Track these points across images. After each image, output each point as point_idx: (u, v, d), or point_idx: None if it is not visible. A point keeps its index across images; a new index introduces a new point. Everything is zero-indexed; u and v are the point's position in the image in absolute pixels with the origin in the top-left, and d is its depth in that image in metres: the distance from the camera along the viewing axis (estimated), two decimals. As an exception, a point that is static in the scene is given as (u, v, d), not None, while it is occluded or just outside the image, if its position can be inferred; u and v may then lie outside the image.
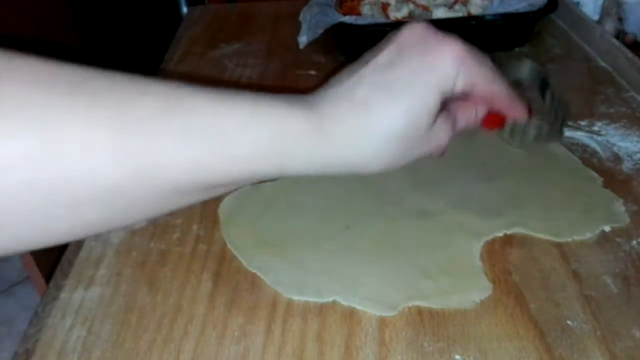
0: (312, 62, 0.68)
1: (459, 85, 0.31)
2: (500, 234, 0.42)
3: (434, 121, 0.32)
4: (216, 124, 0.27)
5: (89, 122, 0.24)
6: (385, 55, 0.32)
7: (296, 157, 0.30)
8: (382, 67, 0.31)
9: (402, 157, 0.33)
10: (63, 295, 0.39)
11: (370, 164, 0.32)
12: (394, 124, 0.30)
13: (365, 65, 0.32)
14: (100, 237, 0.43)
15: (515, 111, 0.37)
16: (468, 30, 0.65)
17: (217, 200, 0.46)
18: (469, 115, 0.36)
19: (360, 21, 0.63)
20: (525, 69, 0.43)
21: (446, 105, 0.33)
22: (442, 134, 0.33)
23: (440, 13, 0.65)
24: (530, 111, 0.38)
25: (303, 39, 0.70)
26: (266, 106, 0.29)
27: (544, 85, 0.43)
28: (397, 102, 0.30)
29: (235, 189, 0.45)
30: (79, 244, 0.43)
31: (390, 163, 0.32)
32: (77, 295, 0.39)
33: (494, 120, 0.38)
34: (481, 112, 0.37)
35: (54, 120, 0.23)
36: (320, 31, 0.66)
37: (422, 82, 0.30)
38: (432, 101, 0.31)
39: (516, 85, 0.39)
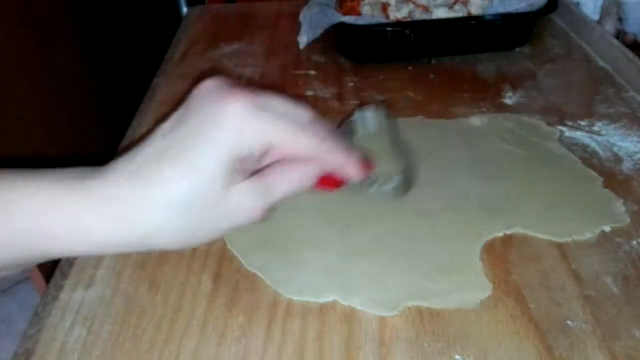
0: (312, 62, 0.68)
1: (253, 145, 0.28)
2: (500, 234, 0.42)
3: (229, 189, 0.28)
4: None
5: None
6: (170, 120, 0.29)
7: (81, 247, 0.28)
8: (165, 132, 0.28)
9: (199, 230, 0.29)
10: (63, 295, 0.39)
11: (161, 240, 0.28)
12: (174, 192, 0.27)
13: (153, 133, 0.29)
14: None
15: (349, 171, 0.32)
16: (468, 30, 0.65)
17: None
18: (292, 180, 0.31)
19: (361, 21, 0.63)
20: (373, 120, 0.40)
21: (257, 171, 0.30)
22: (249, 203, 0.29)
23: (440, 13, 0.65)
24: (369, 168, 0.34)
25: (303, 39, 0.70)
26: (26, 189, 0.27)
27: (394, 135, 0.40)
28: (176, 167, 0.27)
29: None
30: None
31: (186, 237, 0.29)
32: (77, 295, 0.39)
33: (329, 181, 0.33)
34: (310, 174, 0.32)
35: None
36: (320, 31, 0.66)
37: (205, 144, 0.27)
38: (218, 164, 0.27)
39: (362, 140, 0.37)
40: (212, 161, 0.27)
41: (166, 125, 0.29)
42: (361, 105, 0.59)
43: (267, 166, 0.31)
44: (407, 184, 0.38)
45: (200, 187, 0.27)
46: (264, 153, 0.29)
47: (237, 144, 0.27)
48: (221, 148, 0.27)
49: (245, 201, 0.29)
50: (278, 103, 0.29)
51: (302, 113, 0.30)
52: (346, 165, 0.32)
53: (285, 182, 0.31)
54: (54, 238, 0.27)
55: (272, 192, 0.30)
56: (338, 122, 0.38)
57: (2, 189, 0.27)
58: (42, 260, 0.29)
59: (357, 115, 0.39)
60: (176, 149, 0.27)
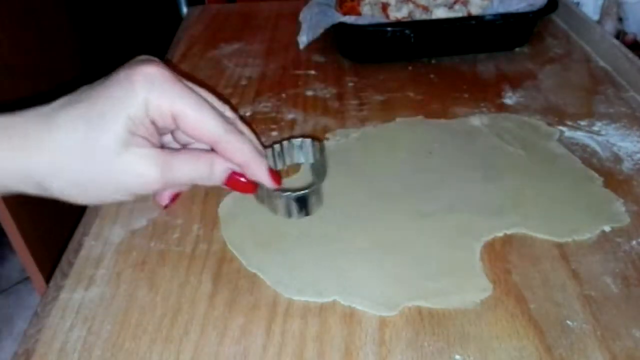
0: (312, 62, 0.68)
1: (159, 110, 0.29)
2: (500, 234, 0.42)
3: (126, 149, 0.29)
4: None
5: None
6: (95, 83, 0.31)
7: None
8: (84, 89, 0.30)
9: (95, 183, 0.30)
10: (63, 295, 0.39)
11: (56, 184, 0.30)
12: (73, 137, 0.29)
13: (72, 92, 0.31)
14: (100, 237, 0.43)
15: (252, 170, 0.33)
16: (468, 30, 0.65)
17: (217, 200, 0.46)
18: (196, 165, 0.32)
19: (361, 21, 0.63)
20: (309, 149, 0.40)
21: (162, 146, 0.32)
22: (146, 169, 0.30)
23: (440, 13, 0.65)
24: (277, 179, 0.34)
25: (303, 39, 0.70)
26: None
27: (321, 166, 0.40)
28: (80, 115, 0.29)
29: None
30: (79, 244, 0.43)
31: (82, 188, 0.30)
32: (77, 295, 0.39)
33: (238, 182, 0.34)
34: (216, 166, 0.33)
35: None
36: (320, 31, 0.66)
37: (113, 100, 0.29)
38: (121, 119, 0.29)
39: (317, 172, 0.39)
40: (116, 116, 0.28)
41: (87, 85, 0.30)
42: (361, 105, 0.59)
43: (175, 150, 0.32)
44: (312, 200, 0.37)
45: (99, 137, 0.29)
46: (169, 124, 0.30)
47: (143, 106, 0.29)
48: (127, 107, 0.28)
49: (142, 165, 0.30)
50: (199, 88, 0.31)
51: (221, 106, 0.32)
52: (251, 165, 0.33)
53: (189, 165, 0.32)
54: None
55: (172, 168, 0.31)
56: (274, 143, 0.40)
57: None
58: None
59: (292, 142, 0.40)
60: (86, 102, 0.29)
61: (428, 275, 0.39)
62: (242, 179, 0.34)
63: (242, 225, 0.44)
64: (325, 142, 0.53)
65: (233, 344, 0.35)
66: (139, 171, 0.30)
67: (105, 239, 0.43)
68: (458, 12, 0.66)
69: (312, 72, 0.66)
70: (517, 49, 0.69)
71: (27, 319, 0.38)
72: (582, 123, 0.54)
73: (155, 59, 0.31)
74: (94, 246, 0.42)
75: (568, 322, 0.35)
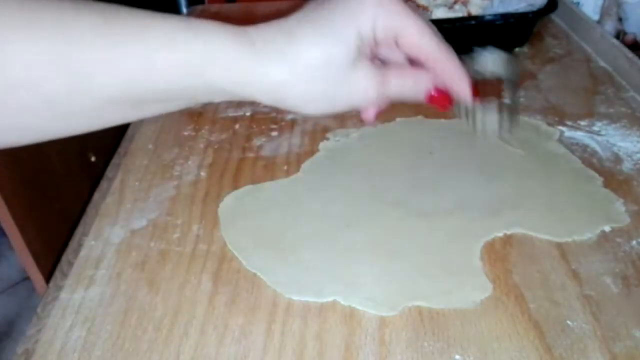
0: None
1: (386, 28, 0.31)
2: (500, 234, 0.42)
3: (354, 65, 0.32)
4: (145, 38, 0.29)
5: (29, 39, 0.27)
6: (316, 0, 0.33)
7: (225, 72, 0.31)
8: (312, 8, 0.33)
9: (322, 94, 0.33)
10: (63, 295, 0.39)
11: (290, 91, 0.32)
12: (312, 53, 0.31)
13: (304, 6, 0.33)
14: (100, 237, 0.43)
15: (458, 86, 0.35)
16: (468, 30, 0.65)
17: (217, 200, 0.46)
18: (406, 83, 0.35)
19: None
20: (500, 61, 0.42)
21: (380, 61, 0.35)
22: (367, 84, 0.33)
23: (440, 13, 0.65)
24: (476, 92, 0.36)
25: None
26: (196, 22, 0.31)
27: (513, 78, 0.42)
28: (316, 34, 0.31)
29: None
30: (79, 244, 0.43)
31: (310, 95, 0.33)
32: (77, 296, 0.39)
33: (439, 97, 0.36)
34: (423, 83, 0.35)
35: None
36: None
37: (340, 19, 0.31)
38: (348, 38, 0.31)
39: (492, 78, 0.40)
40: (351, 34, 0.31)
41: (312, 4, 0.33)
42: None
43: (388, 67, 0.34)
44: (511, 118, 0.40)
45: (335, 57, 0.31)
46: (390, 43, 0.33)
47: (373, 24, 0.31)
48: (360, 25, 0.31)
49: (367, 83, 0.33)
50: (405, 4, 0.32)
51: (432, 27, 0.34)
52: (457, 80, 0.35)
53: (401, 81, 0.34)
54: (217, 71, 0.31)
55: (387, 83, 0.34)
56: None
57: (175, 21, 0.31)
58: (197, 98, 0.33)
59: (478, 52, 0.42)
60: (323, 20, 0.32)
61: (428, 275, 0.39)
62: (443, 95, 0.36)
63: (242, 225, 0.44)
64: (325, 142, 0.53)
65: (233, 344, 0.35)
66: (362, 86, 0.33)
67: (105, 239, 0.43)
68: (458, 12, 0.66)
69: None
70: (517, 49, 0.69)
71: (27, 319, 0.38)
72: (582, 123, 0.54)
73: None
74: (94, 246, 0.42)
75: (568, 322, 0.35)
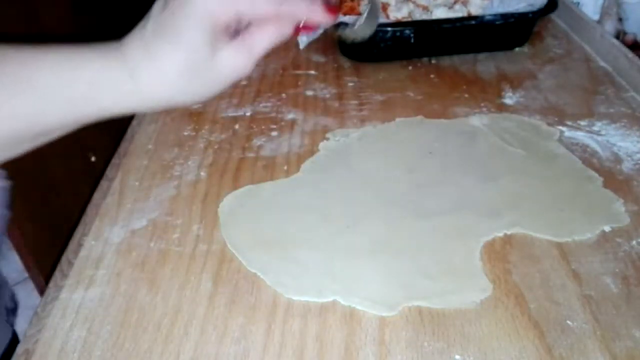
0: (312, 62, 0.68)
1: (219, 17, 0.34)
2: (500, 234, 0.42)
3: (213, 52, 0.35)
4: (34, 79, 0.33)
5: None
6: (158, 2, 0.35)
7: (113, 99, 0.35)
8: (159, 11, 0.35)
9: (202, 86, 0.36)
10: (63, 295, 0.39)
11: (175, 96, 0.36)
12: (173, 61, 0.34)
13: (152, 9, 0.36)
14: (101, 237, 0.43)
15: (316, 18, 0.37)
16: (468, 30, 0.65)
17: (217, 200, 0.46)
18: (270, 34, 0.37)
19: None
20: None
21: (238, 32, 0.36)
22: (239, 62, 0.36)
23: (440, 13, 0.65)
24: (335, 12, 0.38)
25: (303, 39, 0.70)
26: (80, 58, 0.35)
27: None
28: (172, 42, 0.34)
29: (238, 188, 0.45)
30: (79, 244, 0.43)
31: (192, 93, 0.36)
32: (77, 296, 0.39)
33: (304, 26, 0.38)
34: (284, 26, 0.37)
35: None
36: (321, 31, 0.66)
37: (182, 24, 0.34)
38: (201, 35, 0.34)
39: None
40: (196, 33, 0.34)
41: (157, 6, 0.35)
42: (361, 105, 0.59)
43: (247, 29, 0.37)
44: (371, 18, 0.42)
45: (193, 55, 0.34)
46: (238, 20, 0.35)
47: (212, 17, 0.33)
48: (200, 23, 0.33)
49: (235, 59, 0.35)
50: None
51: None
52: (311, 15, 0.36)
53: (265, 37, 0.36)
54: (105, 99, 0.35)
55: (256, 48, 0.36)
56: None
57: (61, 59, 0.35)
58: (85, 121, 0.36)
59: None
60: (168, 27, 0.34)
61: (428, 275, 0.39)
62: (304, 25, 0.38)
63: (242, 225, 0.44)
64: (326, 142, 0.53)
65: (233, 343, 0.35)
66: (235, 65, 0.36)
67: (105, 239, 0.43)
68: (458, 12, 0.66)
69: (312, 72, 0.66)
70: (517, 49, 0.69)
71: (27, 319, 0.38)
72: (582, 123, 0.54)
73: None
74: (94, 246, 0.42)
75: (568, 322, 0.35)
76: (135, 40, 0.36)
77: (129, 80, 0.35)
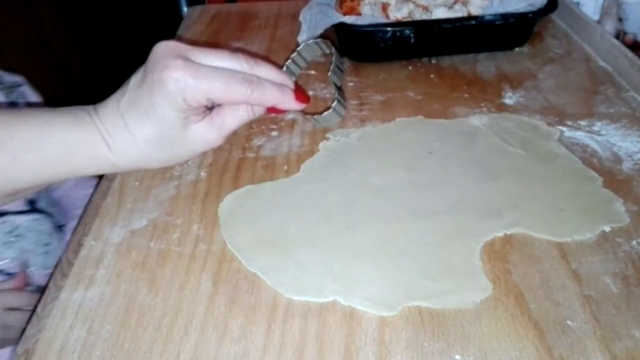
0: (312, 62, 0.68)
1: (191, 100, 0.36)
2: (500, 234, 0.42)
3: (185, 126, 0.38)
4: (11, 141, 0.36)
5: None
6: (137, 75, 0.38)
7: (86, 162, 0.38)
8: (135, 85, 0.37)
9: (172, 155, 0.40)
10: (63, 295, 0.39)
11: (146, 163, 0.40)
12: (147, 133, 0.38)
13: (129, 81, 0.38)
14: (101, 237, 0.43)
15: (285, 105, 0.40)
16: (468, 30, 0.65)
17: (217, 200, 0.46)
18: (241, 115, 0.40)
19: (360, 21, 0.63)
20: (313, 50, 0.45)
21: (212, 109, 0.40)
22: (210, 136, 0.40)
23: (440, 13, 0.65)
24: (304, 99, 0.40)
25: (303, 39, 0.70)
26: (57, 122, 0.37)
27: (336, 62, 0.46)
28: (147, 116, 0.37)
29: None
30: (79, 244, 0.43)
31: (163, 161, 0.40)
32: (77, 296, 0.39)
33: (275, 112, 0.41)
34: (256, 109, 0.41)
35: None
36: (320, 31, 0.66)
37: (161, 101, 0.36)
38: (173, 113, 0.37)
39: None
40: (170, 112, 0.37)
41: (134, 80, 0.38)
42: (361, 105, 0.59)
43: (219, 107, 0.40)
44: (338, 107, 0.44)
45: (165, 129, 0.38)
46: (207, 102, 0.38)
47: (183, 101, 0.36)
48: (173, 103, 0.36)
49: (206, 134, 0.39)
50: (214, 59, 0.38)
51: (237, 64, 0.38)
52: (281, 102, 0.39)
53: (237, 117, 0.40)
54: (73, 160, 0.38)
55: (226, 126, 0.40)
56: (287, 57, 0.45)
57: (37, 125, 0.37)
58: (59, 181, 0.40)
59: (302, 45, 0.45)
60: (143, 103, 0.37)
61: (428, 275, 0.39)
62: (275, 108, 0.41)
63: (242, 225, 0.44)
64: (325, 142, 0.53)
65: (233, 344, 0.35)
66: (207, 139, 0.40)
67: (105, 239, 0.43)
68: (458, 12, 0.66)
69: (312, 72, 0.66)
70: (517, 49, 0.69)
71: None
72: (582, 123, 0.54)
73: (172, 46, 0.38)
74: (94, 246, 0.42)
75: (568, 322, 0.35)
76: (112, 109, 0.38)
77: (103, 146, 0.37)
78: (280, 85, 0.39)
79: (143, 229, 0.44)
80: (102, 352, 0.35)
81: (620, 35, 0.74)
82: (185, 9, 0.92)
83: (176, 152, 0.40)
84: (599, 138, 0.52)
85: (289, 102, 0.40)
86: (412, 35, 0.64)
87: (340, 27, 0.64)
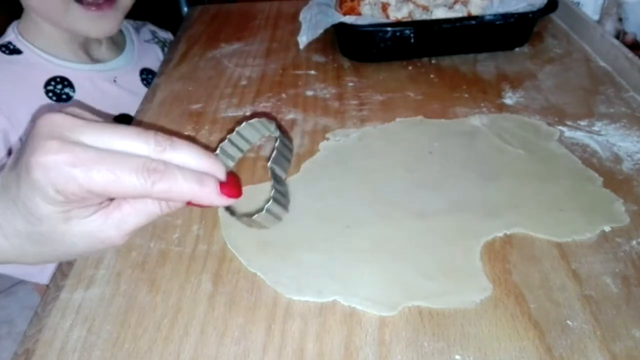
0: (312, 62, 0.68)
1: (67, 193, 0.28)
2: (501, 234, 0.42)
3: (71, 221, 0.30)
4: None
5: None
6: (14, 155, 0.31)
7: None
8: (10, 165, 0.31)
9: (53, 253, 0.32)
10: (63, 295, 0.39)
11: (21, 258, 0.32)
12: (17, 226, 0.30)
13: (6, 165, 0.32)
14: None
15: (202, 201, 0.30)
16: (468, 30, 0.65)
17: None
18: (146, 212, 0.31)
19: (361, 21, 0.63)
20: (257, 129, 0.36)
21: (110, 202, 0.31)
22: (107, 233, 0.31)
23: (440, 13, 0.65)
24: (234, 193, 0.31)
25: (303, 39, 0.70)
26: None
27: (278, 152, 0.35)
28: (17, 208, 0.30)
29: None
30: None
31: (44, 259, 0.33)
32: (77, 296, 0.39)
33: (198, 206, 0.32)
34: (163, 206, 0.32)
35: None
36: (320, 31, 0.66)
37: (24, 192, 0.29)
38: (41, 209, 0.29)
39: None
40: (42, 206, 0.29)
41: (12, 157, 0.32)
42: (361, 105, 0.59)
43: (116, 200, 0.31)
44: (275, 208, 0.33)
45: (38, 223, 0.30)
46: (90, 196, 0.29)
47: (57, 194, 0.28)
48: (43, 198, 0.28)
49: (100, 232, 0.31)
50: (112, 138, 0.29)
51: (143, 146, 0.29)
52: (199, 196, 0.30)
53: (142, 213, 0.31)
54: None
55: (128, 222, 0.31)
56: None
57: None
58: None
59: (243, 124, 0.35)
60: (11, 191, 0.30)
61: (428, 275, 0.39)
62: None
63: (242, 225, 0.44)
64: (326, 142, 0.53)
65: (233, 344, 0.35)
66: (103, 236, 0.31)
67: (105, 239, 0.43)
68: (458, 12, 0.66)
69: (312, 72, 0.66)
70: (517, 49, 0.69)
71: (27, 319, 0.38)
72: (582, 123, 0.54)
73: (56, 120, 0.29)
74: (94, 246, 0.42)
75: (568, 322, 0.35)
76: None
77: None
78: (201, 175, 0.30)
79: (143, 229, 0.44)
80: (102, 352, 0.35)
81: (620, 35, 0.74)
82: (185, 9, 0.92)
83: (60, 250, 0.31)
84: (599, 138, 0.52)
85: (209, 196, 0.30)
86: (412, 35, 0.64)
87: (340, 27, 0.64)
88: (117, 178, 0.28)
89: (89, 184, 0.28)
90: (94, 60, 0.72)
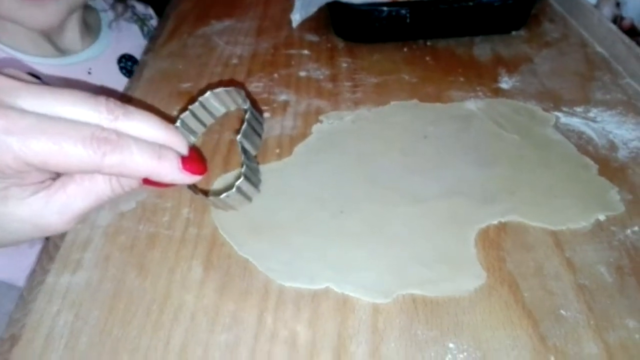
0: (305, 41, 0.67)
1: (2, 166, 0.24)
2: (495, 222, 0.41)
3: (8, 202, 0.27)
4: None
5: None
6: None
7: None
8: None
9: None
10: (49, 279, 0.38)
11: None
12: None
13: None
14: (88, 220, 0.42)
15: (162, 178, 0.27)
16: (465, 12, 0.64)
17: (207, 182, 0.45)
18: (100, 190, 0.28)
19: (356, 0, 0.62)
20: (222, 100, 0.34)
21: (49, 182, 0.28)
22: (46, 219, 0.28)
23: (436, -7, 0.64)
24: (198, 170, 0.28)
25: (296, 17, 0.68)
26: None
27: (248, 124, 0.32)
28: None
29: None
30: (65, 226, 0.42)
31: None
32: (64, 280, 0.38)
33: (156, 185, 0.29)
34: (114, 186, 0.29)
35: None
36: (314, 9, 0.65)
37: None
38: None
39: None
40: None
41: None
42: (355, 87, 0.58)
43: (60, 179, 0.28)
44: (246, 186, 0.32)
45: None
46: (30, 169, 0.25)
47: None
48: None
49: (40, 216, 0.28)
50: (57, 103, 0.25)
51: (94, 113, 0.26)
52: (157, 172, 0.27)
53: (90, 194, 0.28)
54: None
55: (73, 205, 0.28)
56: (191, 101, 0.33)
57: None
58: None
59: (207, 94, 0.32)
60: None
61: (422, 262, 0.38)
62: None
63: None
64: (319, 125, 0.52)
65: (224, 330, 0.34)
66: (45, 221, 0.28)
67: (93, 222, 0.42)
68: (455, -7, 0.64)
69: (306, 51, 0.64)
70: (513, 32, 0.68)
71: (13, 300, 0.37)
72: (578, 109, 0.53)
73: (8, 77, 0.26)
74: (81, 229, 0.41)
75: (562, 311, 0.35)
76: None
77: None
78: (160, 148, 0.27)
79: (132, 211, 0.43)
80: (89, 338, 0.34)
81: (617, 19, 0.73)
82: None
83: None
84: (595, 125, 0.51)
85: (170, 172, 0.27)
86: (408, 15, 0.62)
87: (334, 6, 0.63)
88: (61, 148, 0.24)
89: (26, 155, 0.24)
90: (64, 51, 0.65)
